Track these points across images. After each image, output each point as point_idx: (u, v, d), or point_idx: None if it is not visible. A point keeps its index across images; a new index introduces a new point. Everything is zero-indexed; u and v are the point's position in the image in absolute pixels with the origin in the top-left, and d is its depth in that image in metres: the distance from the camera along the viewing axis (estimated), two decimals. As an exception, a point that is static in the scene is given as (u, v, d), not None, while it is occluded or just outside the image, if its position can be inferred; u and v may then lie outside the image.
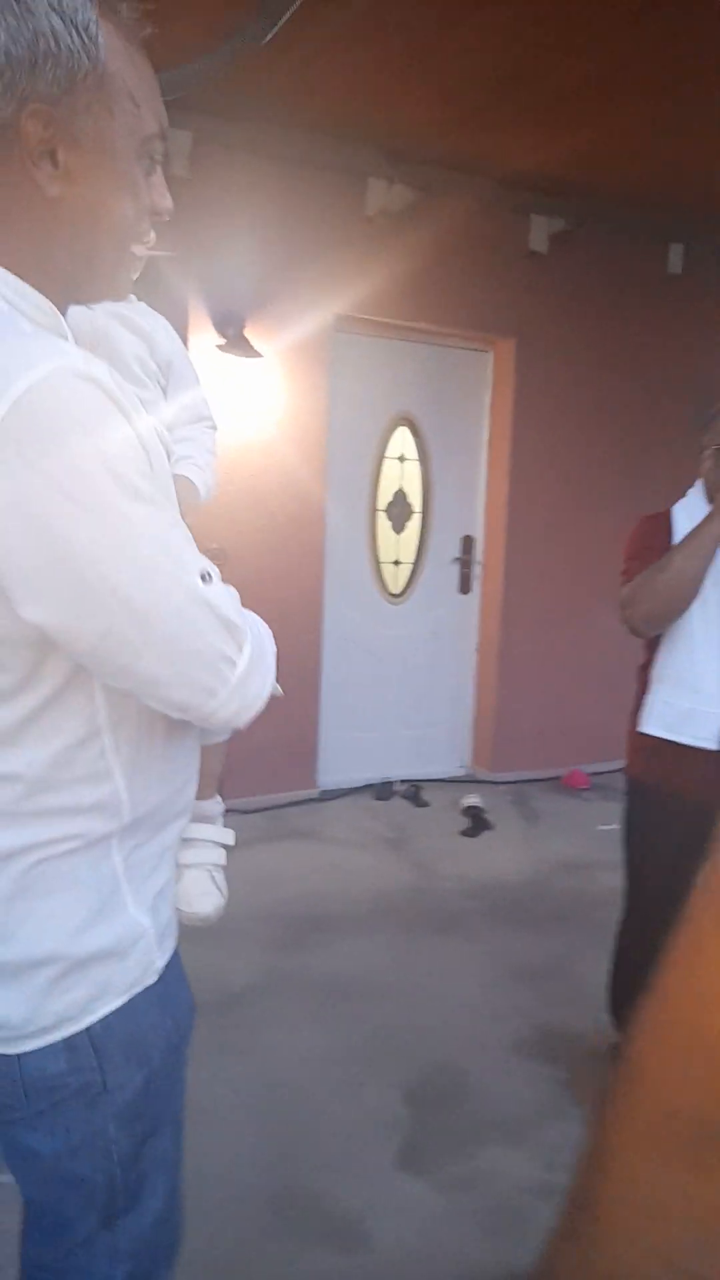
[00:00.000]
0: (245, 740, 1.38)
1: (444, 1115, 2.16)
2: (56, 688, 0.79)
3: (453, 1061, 2.35)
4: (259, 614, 0.90)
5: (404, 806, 4.33)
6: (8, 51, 0.72)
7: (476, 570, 4.79)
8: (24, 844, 0.81)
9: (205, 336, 3.81)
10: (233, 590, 0.85)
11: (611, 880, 3.46)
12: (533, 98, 3.46)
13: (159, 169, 0.84)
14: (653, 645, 1.99)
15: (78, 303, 0.87)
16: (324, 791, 4.39)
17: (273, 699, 0.90)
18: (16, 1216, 0.97)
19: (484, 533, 4.78)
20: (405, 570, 4.69)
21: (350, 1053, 2.37)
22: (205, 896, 1.16)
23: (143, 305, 1.52)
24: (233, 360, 3.82)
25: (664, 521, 2.00)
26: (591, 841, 3.91)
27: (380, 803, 4.37)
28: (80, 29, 0.74)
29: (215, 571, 0.81)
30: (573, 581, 4.77)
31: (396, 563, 4.67)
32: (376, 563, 4.60)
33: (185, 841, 1.15)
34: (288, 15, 2.79)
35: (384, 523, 4.61)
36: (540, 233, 4.46)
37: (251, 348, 3.80)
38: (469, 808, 4.19)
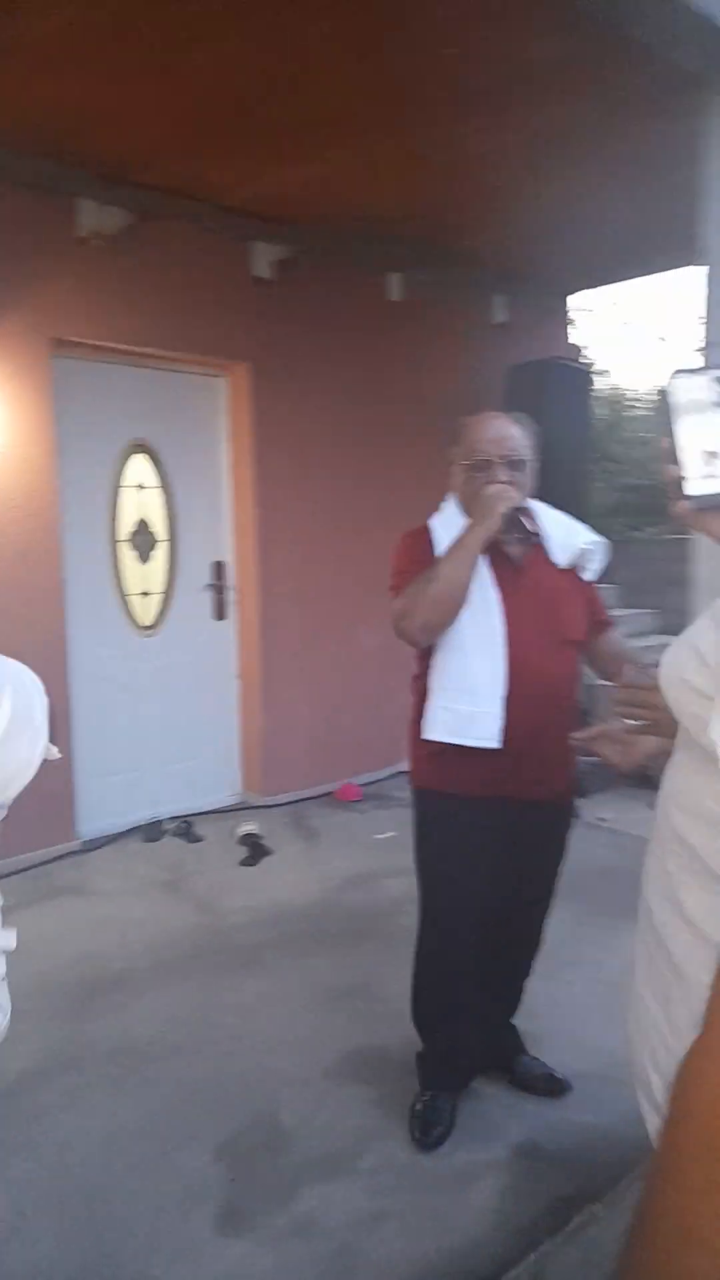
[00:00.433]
0: None
1: (261, 1165, 2.06)
2: None
3: (265, 1106, 2.25)
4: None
5: (176, 845, 4.15)
6: None
7: (231, 596, 4.73)
8: None
9: None
10: None
11: (397, 888, 3.53)
12: (258, 127, 3.48)
13: None
14: (425, 655, 2.03)
15: None
16: (86, 841, 4.11)
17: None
18: None
19: (235, 558, 4.72)
20: (155, 600, 4.53)
21: (152, 1121, 2.20)
22: None
23: None
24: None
25: (425, 535, 2.05)
26: (371, 852, 3.96)
27: (150, 844, 4.16)
28: None
29: None
30: (330, 601, 4.84)
31: (145, 594, 4.49)
32: (123, 595, 4.40)
33: None
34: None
35: (128, 553, 4.42)
36: (262, 259, 4.51)
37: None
38: (245, 835, 4.10)
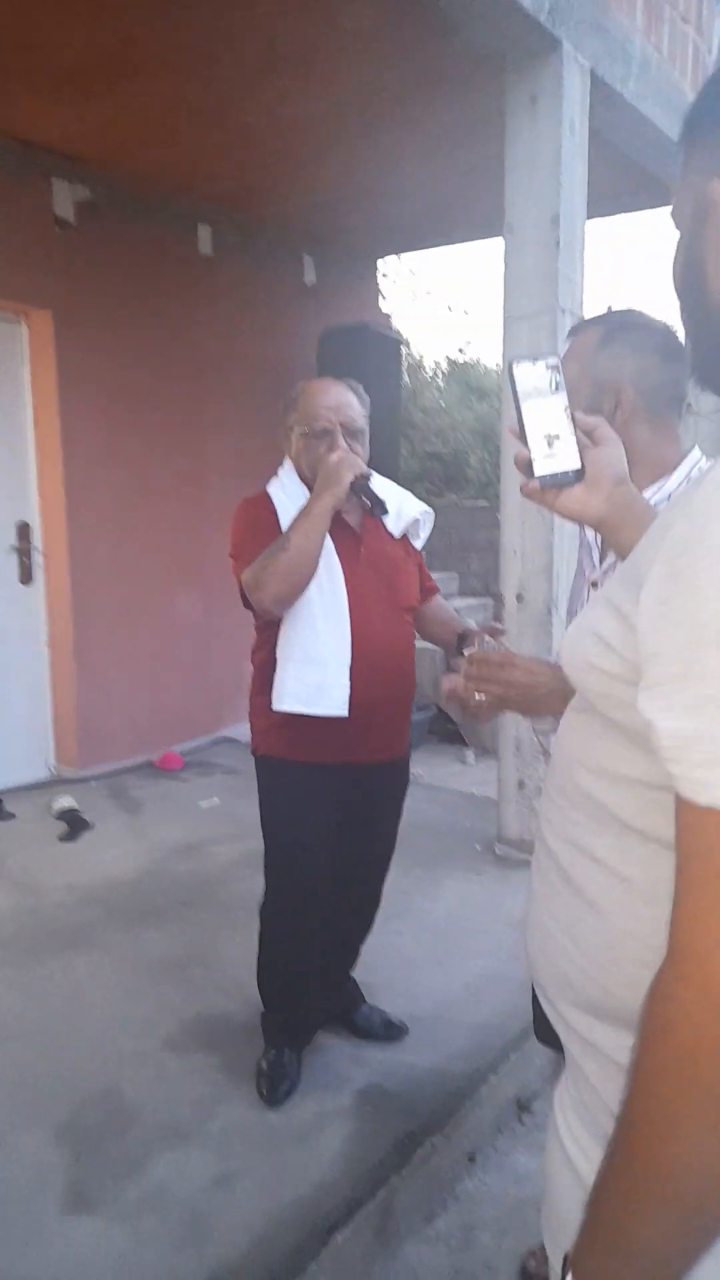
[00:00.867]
0: None
1: (106, 1142, 2.02)
2: None
3: (106, 1083, 2.21)
4: None
5: (-13, 824, 3.94)
6: None
7: (37, 559, 4.47)
8: None
9: None
10: None
11: (226, 855, 3.54)
12: (49, 63, 3.25)
13: None
14: (267, 625, 2.02)
15: None
16: None
17: None
18: None
19: (41, 519, 4.47)
20: (-46, 565, 4.22)
21: (-14, 1113, 2.11)
22: None
23: None
24: None
25: (265, 502, 2.03)
26: (197, 821, 3.93)
27: (-42, 826, 3.91)
28: None
29: None
30: (146, 564, 4.68)
31: (-58, 557, 4.17)
32: None
33: None
34: None
35: None
36: (65, 199, 4.24)
37: None
38: (63, 811, 3.95)
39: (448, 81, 3.44)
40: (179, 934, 2.93)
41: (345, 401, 2.03)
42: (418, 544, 2.22)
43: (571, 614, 1.63)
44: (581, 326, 1.49)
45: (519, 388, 0.95)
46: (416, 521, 2.18)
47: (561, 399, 0.94)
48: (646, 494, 1.32)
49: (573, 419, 0.95)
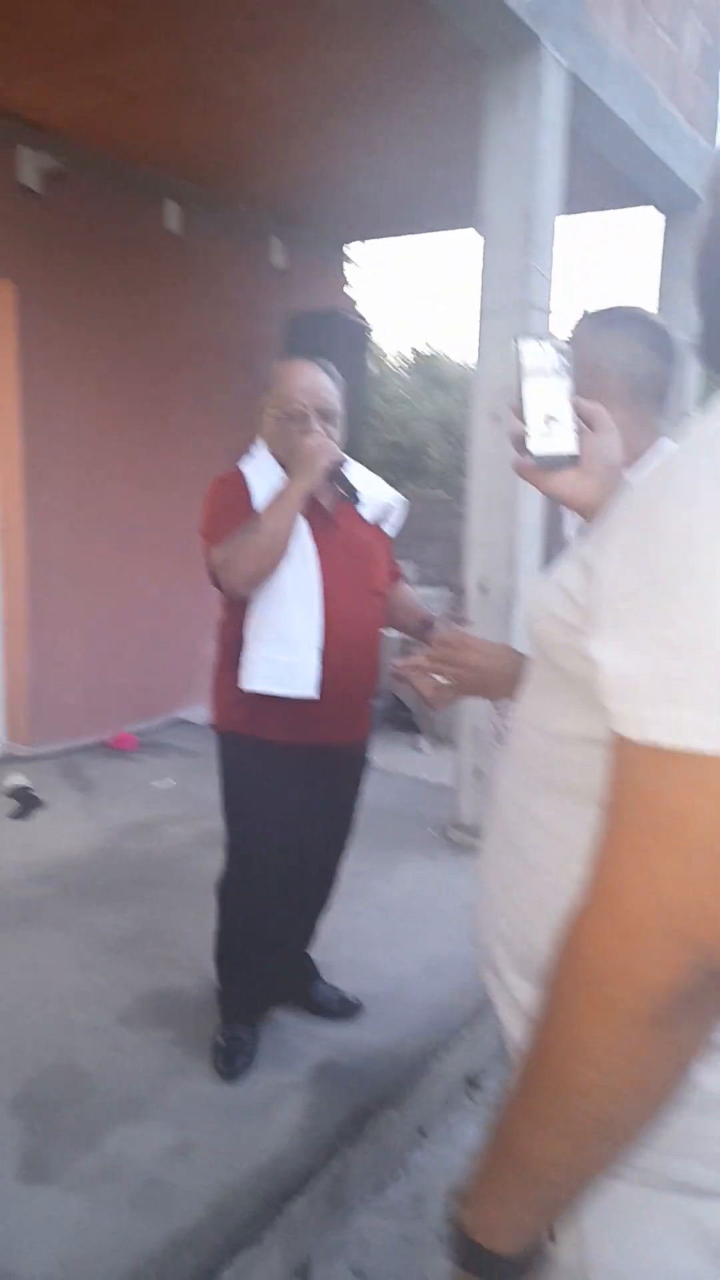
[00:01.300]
0: None
1: (62, 1113, 2.03)
2: None
3: (61, 1056, 2.21)
4: None
5: (-65, 800, 3.88)
6: None
7: (-6, 533, 4.40)
8: None
9: None
10: None
11: (182, 835, 3.54)
12: (17, 32, 3.19)
13: None
14: (235, 603, 2.03)
15: None
16: None
17: None
18: None
19: (-1, 492, 4.40)
20: None
21: (-61, 1085, 2.10)
22: None
23: None
24: None
25: (239, 482, 2.03)
26: (152, 801, 3.92)
27: None
28: None
29: None
30: (107, 541, 4.63)
31: None
32: None
33: None
34: None
35: None
36: (30, 167, 4.17)
37: None
38: (15, 788, 3.91)
39: (426, 71, 3.45)
40: (134, 911, 2.93)
41: (320, 384, 2.05)
42: (389, 530, 2.24)
43: None
44: (585, 315, 1.53)
45: (524, 364, 0.96)
46: (390, 508, 2.20)
47: (565, 383, 0.96)
48: None
49: (573, 404, 0.96)
